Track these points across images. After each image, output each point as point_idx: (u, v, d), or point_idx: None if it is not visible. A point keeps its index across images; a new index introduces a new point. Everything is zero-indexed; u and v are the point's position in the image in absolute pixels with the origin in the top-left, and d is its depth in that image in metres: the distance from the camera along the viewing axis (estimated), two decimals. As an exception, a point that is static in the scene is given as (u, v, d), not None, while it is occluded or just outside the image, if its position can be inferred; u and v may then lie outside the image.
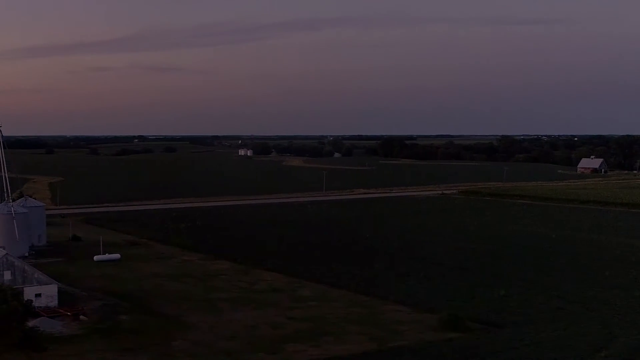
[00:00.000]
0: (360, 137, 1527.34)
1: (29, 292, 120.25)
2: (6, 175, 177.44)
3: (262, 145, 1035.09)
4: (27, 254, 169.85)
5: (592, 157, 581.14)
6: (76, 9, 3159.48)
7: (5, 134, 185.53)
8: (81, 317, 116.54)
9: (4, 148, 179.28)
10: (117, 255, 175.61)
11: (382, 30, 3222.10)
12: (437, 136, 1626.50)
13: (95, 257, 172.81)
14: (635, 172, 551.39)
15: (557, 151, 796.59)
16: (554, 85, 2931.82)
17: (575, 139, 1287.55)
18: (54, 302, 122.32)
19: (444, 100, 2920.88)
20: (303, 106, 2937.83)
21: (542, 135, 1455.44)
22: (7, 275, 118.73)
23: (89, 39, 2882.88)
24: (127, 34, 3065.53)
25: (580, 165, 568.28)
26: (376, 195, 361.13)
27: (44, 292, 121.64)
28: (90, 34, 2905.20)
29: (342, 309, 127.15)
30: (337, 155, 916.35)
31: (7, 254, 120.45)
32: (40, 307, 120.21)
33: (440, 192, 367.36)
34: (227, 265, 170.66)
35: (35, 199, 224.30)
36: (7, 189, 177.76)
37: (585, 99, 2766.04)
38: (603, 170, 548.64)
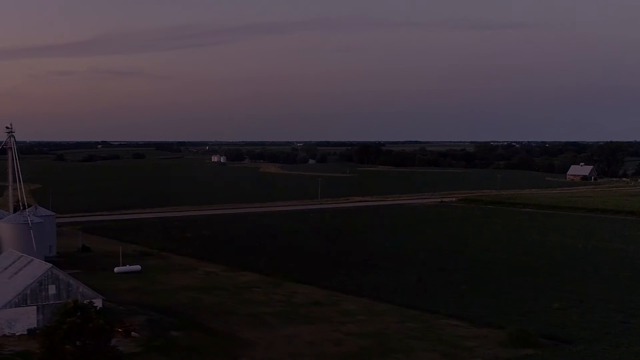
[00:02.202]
0: (328, 144, 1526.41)
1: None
2: (21, 183, 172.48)
3: (235, 152, 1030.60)
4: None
5: (581, 164, 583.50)
6: (36, 12, 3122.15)
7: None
8: (132, 333, 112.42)
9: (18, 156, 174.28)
10: (137, 267, 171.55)
11: (349, 34, 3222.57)
12: (405, 142, 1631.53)
13: (116, 269, 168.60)
14: (625, 179, 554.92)
15: (539, 158, 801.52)
16: (523, 91, 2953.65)
17: (547, 145, 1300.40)
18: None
19: (411, 106, 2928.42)
20: (269, 112, 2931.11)
21: (512, 142, 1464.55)
22: (52, 290, 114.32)
23: (51, 41, 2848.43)
24: (89, 37, 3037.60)
25: (569, 172, 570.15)
26: (374, 203, 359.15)
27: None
28: (52, 37, 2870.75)
29: (396, 324, 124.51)
30: (311, 161, 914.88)
31: (52, 266, 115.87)
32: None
33: (439, 200, 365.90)
34: (254, 277, 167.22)
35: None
36: (22, 197, 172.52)
37: (555, 105, 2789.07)
38: (593, 177, 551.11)
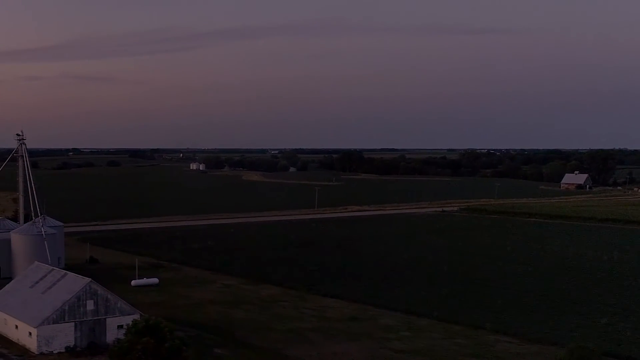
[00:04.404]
0: (303, 151, 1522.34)
1: (111, 324, 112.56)
2: (34, 192, 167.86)
3: (213, 159, 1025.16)
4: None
5: (576, 172, 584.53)
6: (4, 16, 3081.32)
7: None
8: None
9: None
10: (155, 280, 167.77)
11: (321, 39, 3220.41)
12: (382, 150, 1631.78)
13: (133, 282, 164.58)
14: (619, 188, 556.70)
15: (526, 166, 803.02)
16: (500, 98, 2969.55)
17: (526, 152, 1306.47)
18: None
19: (387, 113, 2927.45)
20: (243, 118, 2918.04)
21: (491, 149, 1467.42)
22: (90, 305, 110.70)
23: (20, 46, 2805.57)
24: (58, 41, 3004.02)
25: (564, 180, 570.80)
26: (373, 212, 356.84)
27: (126, 323, 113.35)
28: (20, 41, 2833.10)
29: (444, 340, 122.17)
30: (292, 169, 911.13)
31: (90, 281, 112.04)
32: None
33: (440, 209, 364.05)
34: (276, 290, 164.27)
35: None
36: (34, 207, 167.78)
37: (532, 112, 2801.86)
38: (588, 186, 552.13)
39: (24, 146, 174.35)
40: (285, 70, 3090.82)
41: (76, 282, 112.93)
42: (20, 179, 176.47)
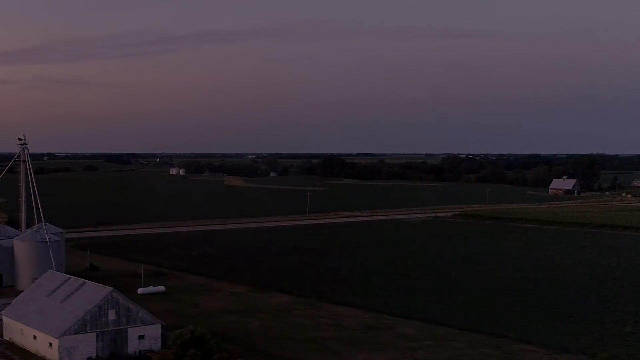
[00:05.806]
0: (280, 156, 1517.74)
1: (132, 334, 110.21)
2: (37, 198, 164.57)
3: (193, 164, 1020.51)
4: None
5: (564, 177, 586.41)
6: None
7: None
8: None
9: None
10: (161, 288, 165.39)
11: (298, 43, 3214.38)
12: (359, 154, 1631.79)
13: (140, 290, 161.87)
14: (607, 193, 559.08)
15: (511, 172, 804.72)
16: (476, 102, 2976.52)
17: (504, 157, 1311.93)
18: (157, 345, 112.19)
19: (364, 117, 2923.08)
20: (219, 122, 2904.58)
21: (469, 154, 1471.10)
22: (112, 315, 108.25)
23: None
24: (32, 44, 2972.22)
25: (552, 186, 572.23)
26: (366, 218, 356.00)
27: (147, 333, 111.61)
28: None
29: (469, 350, 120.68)
30: (273, 174, 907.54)
31: (112, 290, 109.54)
32: (145, 350, 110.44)
33: (433, 215, 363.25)
34: (286, 298, 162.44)
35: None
36: (38, 213, 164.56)
37: (509, 117, 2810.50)
38: (576, 191, 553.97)
39: (26, 151, 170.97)
40: (263, 74, 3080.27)
41: (97, 291, 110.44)
42: (22, 184, 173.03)
